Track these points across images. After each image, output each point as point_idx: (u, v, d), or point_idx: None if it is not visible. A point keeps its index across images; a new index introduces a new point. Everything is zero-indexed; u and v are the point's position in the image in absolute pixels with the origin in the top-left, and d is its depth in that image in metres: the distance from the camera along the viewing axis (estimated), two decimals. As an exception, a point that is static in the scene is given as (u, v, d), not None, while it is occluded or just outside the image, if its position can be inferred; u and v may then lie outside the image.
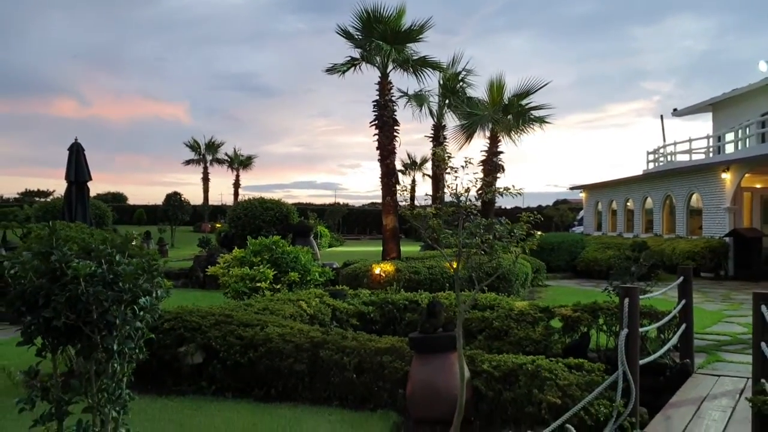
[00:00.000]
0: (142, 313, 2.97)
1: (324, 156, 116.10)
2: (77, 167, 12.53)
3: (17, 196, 61.21)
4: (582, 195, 29.17)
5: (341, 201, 50.57)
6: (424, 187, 45.85)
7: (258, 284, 9.40)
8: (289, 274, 9.82)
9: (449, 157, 5.21)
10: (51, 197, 53.63)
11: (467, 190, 4.87)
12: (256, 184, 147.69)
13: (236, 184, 50.06)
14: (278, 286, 9.58)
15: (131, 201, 58.87)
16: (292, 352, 5.90)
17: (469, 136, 18.92)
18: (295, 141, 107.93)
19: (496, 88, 18.34)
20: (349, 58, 15.93)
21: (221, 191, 56.15)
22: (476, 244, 5.00)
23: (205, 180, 49.59)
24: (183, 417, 5.14)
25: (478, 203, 5.21)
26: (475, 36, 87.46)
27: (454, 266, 5.06)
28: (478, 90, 19.41)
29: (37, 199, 56.02)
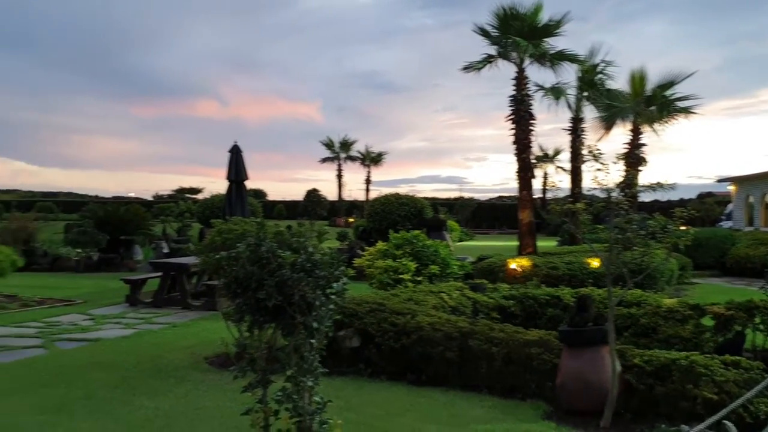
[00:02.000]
0: (333, 296, 3.42)
1: (449, 150, 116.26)
2: (237, 167, 13.63)
3: (171, 192, 66.24)
4: (730, 188, 27.53)
5: (466, 195, 50.64)
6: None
7: (401, 276, 9.85)
8: (429, 266, 10.19)
9: (600, 154, 5.31)
10: (201, 194, 57.62)
11: (621, 185, 4.96)
12: (383, 179, 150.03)
13: (367, 180, 51.49)
14: (419, 279, 9.98)
15: (270, 197, 62.00)
16: (442, 340, 6.24)
17: (608, 128, 18.56)
18: (420, 136, 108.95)
19: (637, 79, 17.85)
20: (485, 56, 16.11)
21: (351, 187, 57.88)
22: (626, 239, 5.11)
23: (339, 176, 51.42)
24: (347, 394, 5.64)
25: (625, 198, 5.30)
26: (608, 22, 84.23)
27: (597, 263, 5.18)
28: (617, 80, 18.93)
29: (188, 195, 60.25)
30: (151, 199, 66.07)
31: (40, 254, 19.28)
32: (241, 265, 3.49)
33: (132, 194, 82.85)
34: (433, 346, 6.24)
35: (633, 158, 17.72)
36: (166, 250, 19.29)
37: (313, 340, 3.39)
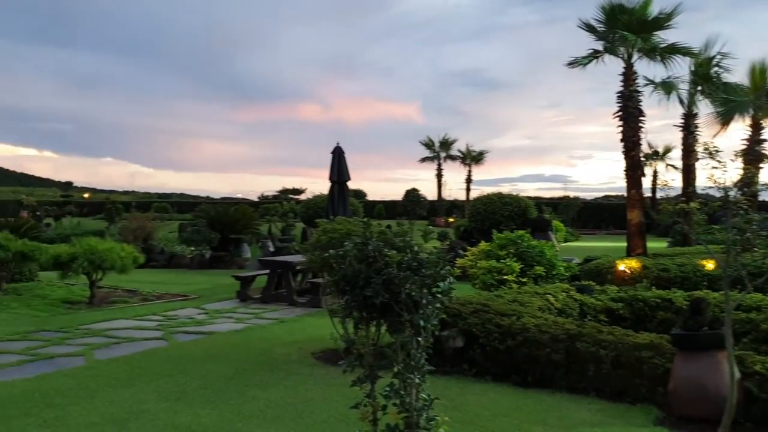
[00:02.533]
0: (439, 295, 3.46)
1: (552, 148, 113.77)
2: (339, 168, 13.94)
3: (275, 193, 68.45)
4: None
5: (571, 194, 49.06)
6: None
7: (504, 277, 9.75)
8: (534, 267, 10.04)
9: (716, 150, 5.07)
10: (303, 194, 59.17)
11: (740, 184, 4.72)
12: (484, 178, 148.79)
13: (468, 180, 51.05)
14: (524, 280, 9.84)
15: (369, 197, 62.78)
16: (548, 342, 6.15)
17: (724, 124, 17.57)
18: (522, 133, 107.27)
19: (757, 71, 16.83)
20: (591, 51, 15.65)
21: (451, 186, 57.63)
22: (745, 240, 4.85)
23: (439, 176, 51.35)
24: (451, 393, 5.66)
25: (744, 197, 5.03)
26: (724, 11, 79.77)
27: (713, 265, 4.94)
28: (735, 73, 17.86)
29: (291, 196, 62.03)
30: (256, 199, 68.50)
31: (158, 252, 20.45)
32: (349, 263, 3.59)
33: (239, 195, 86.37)
34: (539, 348, 6.16)
35: (752, 155, 16.73)
36: (271, 249, 19.98)
37: (419, 338, 3.44)
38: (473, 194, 46.70)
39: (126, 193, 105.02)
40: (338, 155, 13.95)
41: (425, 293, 3.39)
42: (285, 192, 66.04)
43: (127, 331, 8.68)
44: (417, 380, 3.47)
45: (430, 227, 27.99)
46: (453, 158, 51.58)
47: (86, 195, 78.92)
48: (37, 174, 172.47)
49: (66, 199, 71.33)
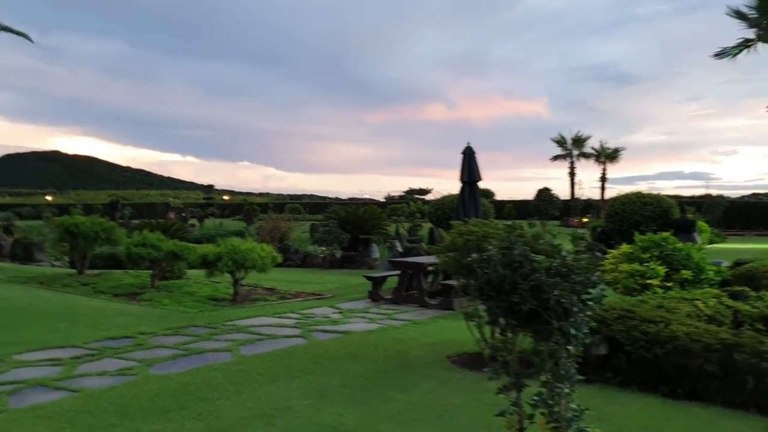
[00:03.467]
0: (590, 303, 3.32)
1: (692, 143, 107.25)
2: (470, 168, 13.86)
3: (402, 193, 69.18)
4: None
5: (714, 192, 45.92)
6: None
7: (648, 281, 9.25)
8: (680, 271, 9.45)
9: None
10: (430, 194, 59.35)
11: None
12: (618, 176, 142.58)
13: (602, 178, 49.11)
14: (669, 284, 9.29)
15: (497, 197, 61.91)
16: (700, 352, 5.76)
17: None
18: (658, 129, 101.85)
19: None
20: (741, 40, 14.58)
21: (584, 185, 55.55)
22: None
23: (572, 174, 49.78)
24: (596, 403, 5.40)
25: None
26: None
27: None
28: None
29: (417, 196, 62.40)
30: (383, 200, 69.55)
31: (293, 251, 21.21)
32: (493, 267, 3.52)
33: (366, 195, 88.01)
34: (690, 358, 5.78)
35: None
36: (399, 249, 20.18)
37: (569, 347, 3.32)
38: (609, 193, 44.90)
39: (261, 194, 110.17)
40: (469, 155, 13.85)
41: (575, 300, 3.26)
42: (411, 192, 66.57)
43: (269, 328, 9.05)
44: (567, 390, 3.35)
45: (561, 228, 27.15)
46: (586, 156, 49.87)
47: (226, 197, 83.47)
48: (182, 177, 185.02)
49: (208, 201, 75.82)
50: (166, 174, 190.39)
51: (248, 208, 46.50)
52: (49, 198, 75.93)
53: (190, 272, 14.80)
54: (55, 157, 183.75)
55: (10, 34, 19.27)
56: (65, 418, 4.97)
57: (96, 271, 15.43)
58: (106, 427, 4.82)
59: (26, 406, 5.28)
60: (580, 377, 3.42)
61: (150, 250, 12.60)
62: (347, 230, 20.79)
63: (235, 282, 11.69)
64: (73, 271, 15.54)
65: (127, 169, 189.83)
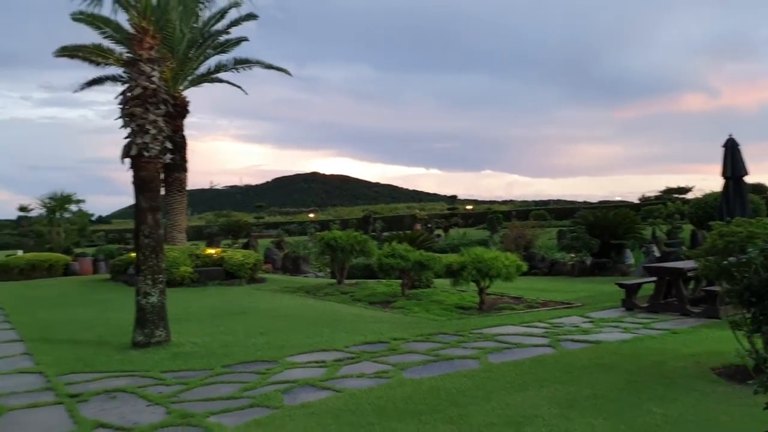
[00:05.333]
0: None
1: None
2: (733, 162, 12.56)
3: (657, 194, 64.60)
4: None
5: None
6: None
7: None
8: None
9: None
10: (690, 193, 54.67)
11: None
12: None
13: None
14: None
15: (774, 191, 54.91)
16: None
17: None
18: None
19: None
20: None
21: None
22: None
23: None
24: None
25: None
26: None
27: None
28: None
29: (676, 195, 57.81)
30: (637, 201, 65.49)
31: (539, 259, 20.94)
32: (755, 271, 3.19)
33: (617, 197, 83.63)
34: None
35: None
36: (657, 254, 18.88)
37: None
38: None
39: (505, 202, 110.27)
40: (731, 148, 12.56)
41: None
42: (669, 192, 61.82)
43: (516, 336, 9.04)
44: None
45: None
46: None
47: (469, 207, 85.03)
48: (426, 190, 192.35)
49: (451, 211, 77.89)
50: (411, 187, 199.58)
51: (491, 216, 46.87)
52: (311, 215, 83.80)
53: (437, 281, 15.35)
54: (315, 177, 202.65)
55: (272, 71, 21.72)
56: (331, 416, 5.46)
57: (353, 281, 16.71)
58: (366, 425, 5.20)
59: (297, 404, 5.89)
60: None
61: (399, 261, 13.31)
62: (597, 235, 19.99)
63: (481, 291, 11.87)
64: (334, 281, 17.00)
65: (377, 184, 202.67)
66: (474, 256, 11.52)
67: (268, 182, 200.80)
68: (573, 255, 19.79)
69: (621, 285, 11.95)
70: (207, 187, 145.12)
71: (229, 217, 65.15)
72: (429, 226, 48.47)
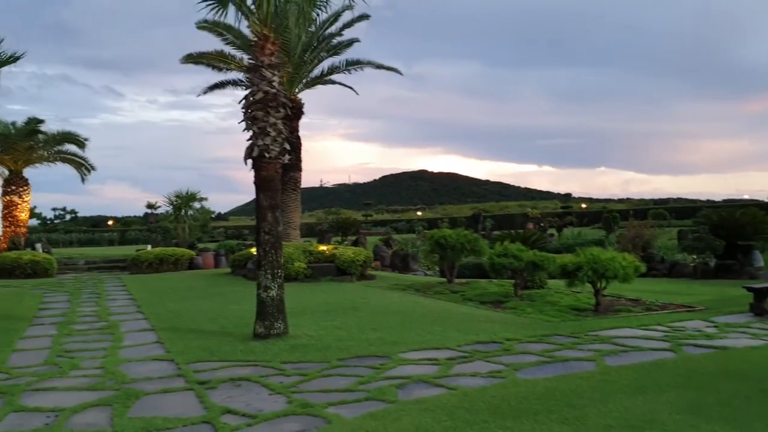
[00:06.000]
0: None
1: None
2: None
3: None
4: None
5: None
6: None
7: None
8: None
9: None
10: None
11: None
12: None
13: None
14: None
15: None
16: None
17: None
18: None
19: None
20: None
21: None
22: None
23: None
24: None
25: None
26: None
27: None
28: None
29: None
30: (767, 200, 61.21)
31: (657, 260, 20.08)
32: None
33: (745, 196, 78.55)
34: None
35: None
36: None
37: None
38: None
39: (621, 201, 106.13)
40: None
41: None
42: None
43: (634, 339, 8.76)
44: None
45: None
46: None
47: (583, 205, 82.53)
48: (538, 188, 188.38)
49: (565, 210, 75.86)
50: (523, 185, 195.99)
51: (607, 215, 45.26)
52: (419, 213, 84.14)
53: (550, 282, 15.05)
54: (422, 175, 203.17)
55: (381, 70, 22.01)
56: (445, 412, 5.53)
57: (463, 280, 16.70)
58: (480, 422, 5.23)
59: (412, 399, 5.99)
60: None
61: (511, 260, 13.18)
62: (721, 236, 18.91)
63: (597, 292, 11.55)
64: (443, 279, 17.06)
65: (486, 182, 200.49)
66: (590, 257, 11.22)
67: (375, 180, 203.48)
68: (695, 256, 18.80)
69: (749, 288, 11.27)
70: (317, 185, 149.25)
71: (338, 214, 66.66)
72: (541, 225, 47.47)
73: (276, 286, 9.39)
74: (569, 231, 42.34)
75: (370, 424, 5.26)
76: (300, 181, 21.44)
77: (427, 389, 6.35)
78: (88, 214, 77.48)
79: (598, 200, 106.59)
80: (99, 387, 6.67)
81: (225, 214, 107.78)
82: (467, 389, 6.28)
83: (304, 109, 21.33)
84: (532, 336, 9.12)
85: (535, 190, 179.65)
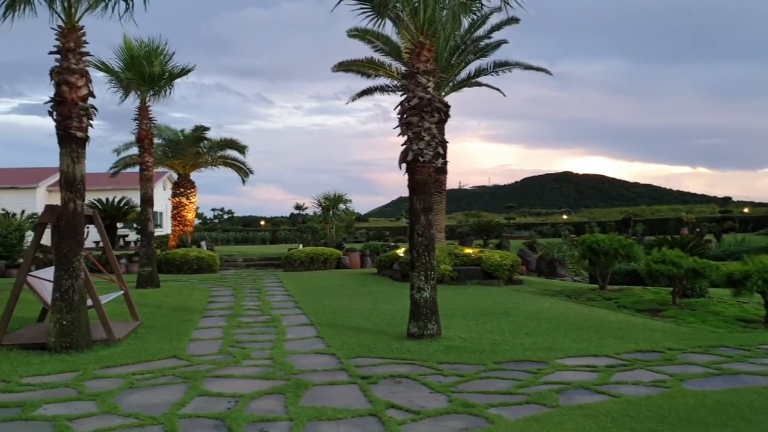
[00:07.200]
0: None
1: None
2: None
3: None
4: None
5: None
6: None
7: None
8: None
9: None
10: None
11: None
12: None
13: None
14: None
15: None
16: None
17: None
18: None
19: None
20: None
21: None
22: None
23: None
24: None
25: None
26: None
27: None
28: None
29: None
30: None
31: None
32: None
33: None
34: None
35: None
36: None
37: None
38: None
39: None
40: None
41: None
42: None
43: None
44: None
45: None
46: None
47: (745, 210, 76.47)
48: (692, 190, 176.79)
49: (724, 214, 70.68)
50: (675, 187, 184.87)
51: (774, 221, 41.70)
52: (564, 216, 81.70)
53: (711, 290, 14.21)
54: (566, 177, 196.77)
55: (527, 70, 21.70)
56: (609, 419, 5.45)
57: (616, 287, 16.14)
58: (647, 431, 5.11)
59: (574, 405, 5.95)
60: None
61: (670, 267, 12.58)
62: None
63: (767, 303, 10.78)
64: (594, 286, 16.56)
65: (635, 184, 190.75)
66: (760, 265, 10.50)
67: (516, 182, 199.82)
68: None
69: None
70: (456, 187, 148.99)
71: (479, 217, 66.18)
72: (697, 230, 44.63)
73: (429, 287, 9.60)
74: (731, 237, 39.44)
75: (534, 426, 5.30)
76: (445, 184, 21.64)
77: (589, 396, 6.28)
78: (241, 214, 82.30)
79: (761, 204, 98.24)
80: (271, 376, 7.19)
81: (365, 215, 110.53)
82: (630, 397, 6.14)
83: (450, 112, 21.51)
84: (696, 346, 8.69)
85: (688, 193, 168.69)
